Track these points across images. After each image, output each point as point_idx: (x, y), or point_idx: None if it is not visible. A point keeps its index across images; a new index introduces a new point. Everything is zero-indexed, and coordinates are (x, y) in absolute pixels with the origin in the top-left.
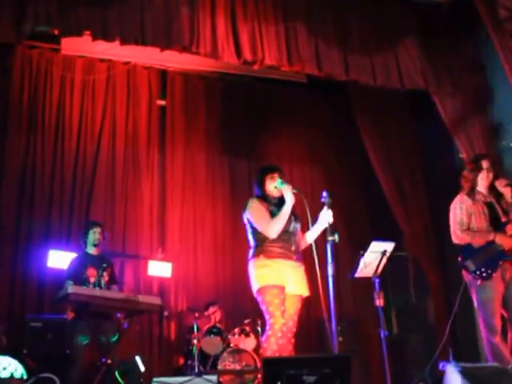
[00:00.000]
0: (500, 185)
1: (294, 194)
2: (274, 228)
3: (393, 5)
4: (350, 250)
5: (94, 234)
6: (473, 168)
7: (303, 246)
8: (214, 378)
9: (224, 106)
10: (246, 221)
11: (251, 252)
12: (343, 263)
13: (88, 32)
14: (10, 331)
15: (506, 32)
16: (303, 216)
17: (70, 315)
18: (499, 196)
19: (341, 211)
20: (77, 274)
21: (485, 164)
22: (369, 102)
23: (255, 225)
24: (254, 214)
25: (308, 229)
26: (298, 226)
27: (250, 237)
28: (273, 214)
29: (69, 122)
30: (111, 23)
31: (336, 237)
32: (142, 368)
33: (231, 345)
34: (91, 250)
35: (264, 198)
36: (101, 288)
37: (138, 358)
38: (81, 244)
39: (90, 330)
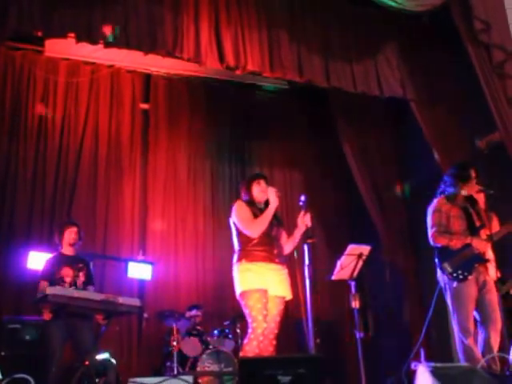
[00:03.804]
0: (473, 190)
1: (278, 197)
2: (257, 227)
3: (374, 15)
4: (328, 252)
5: (69, 234)
6: (460, 175)
7: (288, 250)
8: (189, 378)
9: (207, 110)
10: (231, 224)
11: (235, 256)
12: (321, 265)
13: (72, 34)
14: None
15: (481, 43)
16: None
17: (47, 316)
18: (473, 201)
19: (319, 214)
20: (51, 274)
21: (473, 173)
22: (349, 108)
23: (239, 225)
24: (238, 213)
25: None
26: (282, 230)
27: (235, 240)
28: (256, 218)
29: (51, 124)
30: (95, 26)
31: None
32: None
33: (210, 346)
34: (67, 251)
35: (250, 202)
36: (76, 288)
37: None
38: (57, 244)
39: (68, 331)
